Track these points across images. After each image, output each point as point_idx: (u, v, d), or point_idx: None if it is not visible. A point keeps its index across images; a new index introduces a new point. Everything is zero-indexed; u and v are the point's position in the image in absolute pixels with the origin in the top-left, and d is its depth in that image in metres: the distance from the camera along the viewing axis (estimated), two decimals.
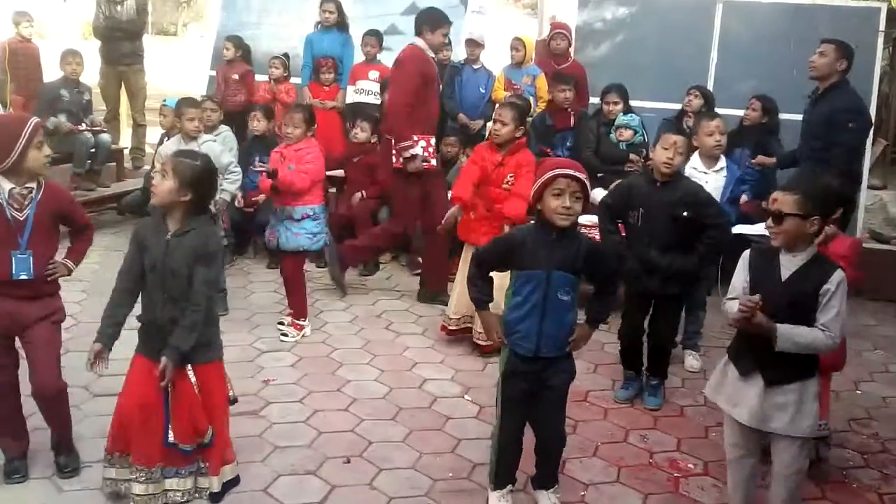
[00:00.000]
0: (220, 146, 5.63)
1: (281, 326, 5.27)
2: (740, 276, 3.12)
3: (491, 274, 3.34)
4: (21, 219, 3.28)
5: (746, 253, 3.15)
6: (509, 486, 3.47)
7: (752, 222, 6.16)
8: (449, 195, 5.63)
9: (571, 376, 3.33)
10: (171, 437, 3.22)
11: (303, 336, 5.23)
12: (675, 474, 3.79)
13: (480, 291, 3.31)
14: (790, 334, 2.87)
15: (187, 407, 3.23)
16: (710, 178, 4.92)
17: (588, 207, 5.93)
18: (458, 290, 5.08)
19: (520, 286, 3.18)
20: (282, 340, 5.14)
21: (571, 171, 3.08)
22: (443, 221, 5.31)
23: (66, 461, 3.55)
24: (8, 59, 8.42)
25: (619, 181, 5.19)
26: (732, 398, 3.13)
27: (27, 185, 3.29)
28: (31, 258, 3.30)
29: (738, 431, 3.17)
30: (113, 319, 3.27)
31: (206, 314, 3.21)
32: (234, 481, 3.47)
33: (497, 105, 6.44)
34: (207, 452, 3.34)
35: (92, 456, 3.61)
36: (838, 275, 2.92)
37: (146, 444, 3.21)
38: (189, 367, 3.23)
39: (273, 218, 5.26)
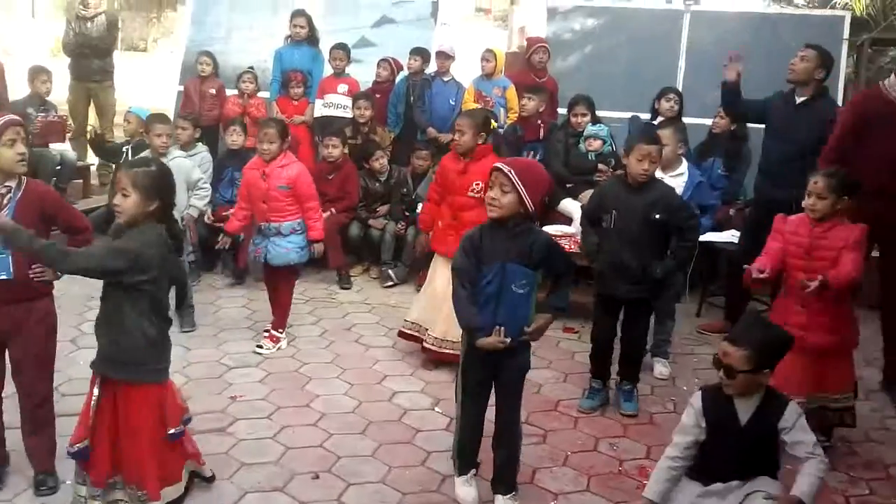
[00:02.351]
0: (191, 162, 5.61)
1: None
2: (692, 417, 3.08)
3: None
4: None
5: (697, 395, 3.12)
6: (473, 471, 3.53)
7: (721, 229, 6.23)
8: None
9: (524, 368, 3.43)
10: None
11: (278, 349, 5.20)
12: (645, 482, 3.74)
13: (469, 321, 3.30)
14: (810, 494, 2.89)
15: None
16: (670, 183, 4.96)
17: (556, 217, 6.05)
18: (423, 299, 5.12)
19: (480, 278, 3.27)
20: (256, 352, 5.11)
21: (499, 164, 3.26)
22: (415, 250, 5.46)
23: (46, 479, 3.46)
24: None
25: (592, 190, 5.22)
26: None
27: (5, 185, 3.22)
28: (10, 258, 3.19)
29: None
30: None
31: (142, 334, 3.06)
32: (179, 500, 3.36)
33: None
34: (140, 481, 3.17)
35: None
36: (791, 409, 2.98)
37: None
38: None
39: (258, 235, 5.22)
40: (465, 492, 3.50)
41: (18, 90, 8.53)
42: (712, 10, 8.58)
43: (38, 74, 7.69)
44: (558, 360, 5.21)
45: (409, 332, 5.15)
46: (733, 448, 3.01)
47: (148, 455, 3.16)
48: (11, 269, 3.20)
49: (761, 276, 3.85)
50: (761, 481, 3.02)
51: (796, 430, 2.96)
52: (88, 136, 8.01)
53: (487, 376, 3.41)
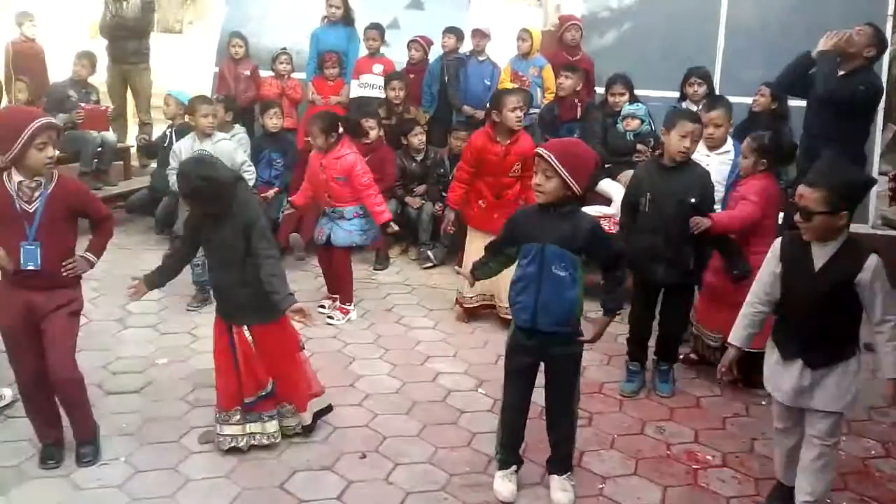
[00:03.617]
0: (235, 144, 5.66)
1: (323, 310, 5.50)
2: (770, 265, 3.16)
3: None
4: (30, 210, 3.35)
5: (777, 242, 3.18)
6: (514, 467, 3.51)
7: None
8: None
9: (576, 354, 3.40)
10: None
11: (348, 320, 5.45)
12: (694, 466, 3.77)
13: (476, 266, 3.60)
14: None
15: (246, 363, 3.63)
16: (712, 161, 4.94)
17: (594, 197, 6.02)
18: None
19: (520, 258, 3.31)
20: (328, 324, 5.35)
21: (540, 150, 3.25)
22: (447, 227, 5.62)
23: (86, 451, 3.61)
24: (13, 60, 8.41)
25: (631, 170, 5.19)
26: (772, 381, 3.21)
27: (36, 178, 3.35)
28: (40, 249, 3.36)
29: (781, 408, 3.25)
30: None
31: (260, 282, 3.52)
32: (326, 410, 3.95)
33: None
34: (288, 396, 3.78)
35: (108, 454, 3.63)
36: (871, 260, 2.93)
37: (223, 392, 3.69)
38: (245, 328, 3.61)
39: (324, 217, 5.49)
40: (503, 486, 3.46)
41: (58, 73, 8.63)
42: None
43: (81, 58, 7.75)
44: (601, 342, 5.13)
45: (470, 305, 5.39)
46: (807, 295, 3.01)
47: (297, 374, 3.82)
48: (39, 261, 3.38)
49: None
50: (830, 381, 3.04)
51: (874, 285, 2.92)
52: (136, 143, 8.05)
53: (531, 362, 3.39)
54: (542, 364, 3.42)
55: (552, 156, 3.18)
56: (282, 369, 3.75)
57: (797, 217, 3.00)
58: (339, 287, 5.58)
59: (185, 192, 3.58)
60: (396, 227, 5.48)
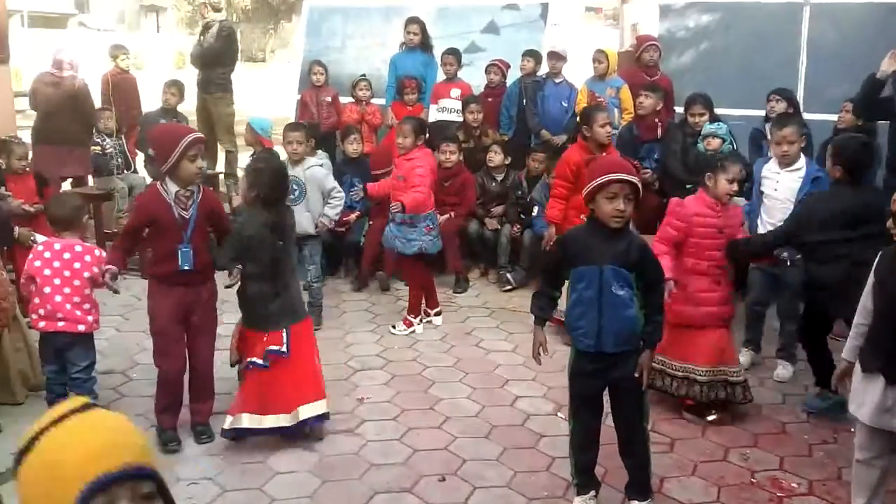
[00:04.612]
0: (326, 171, 5.88)
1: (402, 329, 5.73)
2: (869, 280, 3.14)
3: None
4: (186, 217, 3.87)
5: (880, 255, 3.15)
6: (593, 492, 3.49)
7: None
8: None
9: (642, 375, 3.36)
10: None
11: (411, 332, 5.63)
12: (779, 494, 3.69)
13: (541, 308, 3.46)
14: None
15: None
16: (783, 179, 4.88)
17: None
18: None
19: (575, 282, 3.28)
20: (391, 332, 5.65)
21: (624, 176, 3.18)
22: (547, 244, 5.63)
23: (204, 430, 4.09)
24: (110, 91, 8.82)
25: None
26: (856, 397, 3.12)
27: (189, 188, 3.86)
28: (192, 252, 3.88)
29: (865, 432, 3.12)
30: None
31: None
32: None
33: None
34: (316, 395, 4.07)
35: (196, 474, 3.78)
36: None
37: None
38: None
39: (392, 225, 5.70)
40: None
41: (148, 102, 9.02)
42: (834, 2, 8.23)
43: (169, 87, 8.09)
44: None
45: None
46: (890, 308, 2.95)
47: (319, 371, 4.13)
48: (193, 262, 3.88)
49: None
50: None
51: None
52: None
53: (597, 385, 3.35)
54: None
55: (637, 181, 3.20)
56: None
57: (889, 223, 2.95)
58: (410, 296, 5.80)
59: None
60: (398, 209, 5.44)
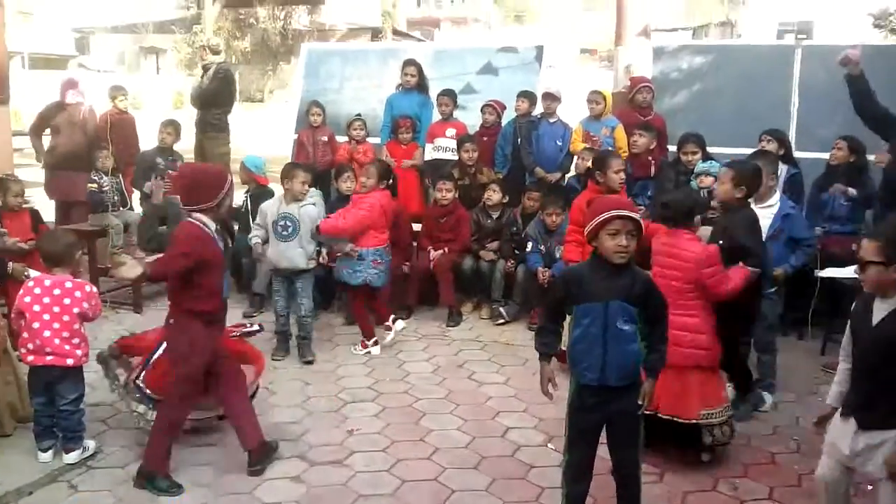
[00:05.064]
0: (319, 209, 5.99)
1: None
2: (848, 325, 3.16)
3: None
4: (222, 250, 4.06)
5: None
6: None
7: (845, 264, 5.99)
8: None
9: (639, 408, 3.33)
10: None
11: (366, 353, 5.91)
12: None
13: (546, 344, 3.42)
14: None
15: None
16: (760, 214, 4.89)
17: None
18: None
19: (579, 318, 3.28)
20: (352, 353, 5.92)
21: (626, 212, 3.21)
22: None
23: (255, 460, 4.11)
24: (109, 130, 8.90)
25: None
26: (833, 434, 3.16)
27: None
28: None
29: (833, 460, 3.16)
30: None
31: None
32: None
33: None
34: None
35: None
36: None
37: None
38: None
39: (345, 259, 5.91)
40: None
41: (146, 141, 9.11)
42: (825, 45, 8.36)
43: (165, 126, 8.19)
44: None
45: None
46: (865, 350, 2.97)
47: None
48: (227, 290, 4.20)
49: None
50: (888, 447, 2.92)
51: None
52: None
53: (597, 419, 3.33)
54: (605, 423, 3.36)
55: (640, 217, 3.24)
56: None
57: (856, 269, 3.00)
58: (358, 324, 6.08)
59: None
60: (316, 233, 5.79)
